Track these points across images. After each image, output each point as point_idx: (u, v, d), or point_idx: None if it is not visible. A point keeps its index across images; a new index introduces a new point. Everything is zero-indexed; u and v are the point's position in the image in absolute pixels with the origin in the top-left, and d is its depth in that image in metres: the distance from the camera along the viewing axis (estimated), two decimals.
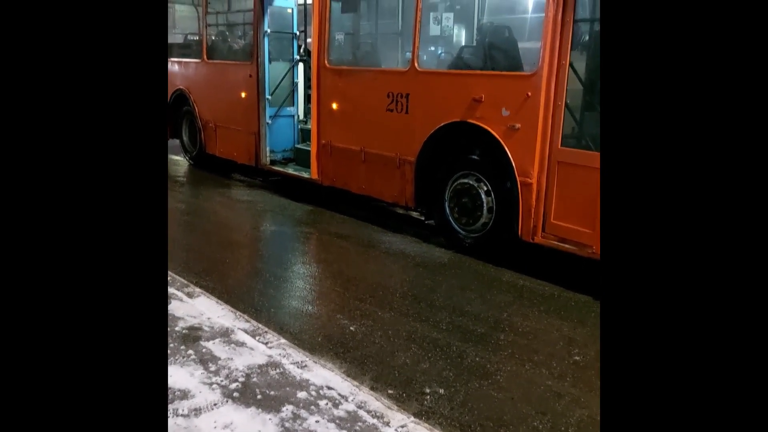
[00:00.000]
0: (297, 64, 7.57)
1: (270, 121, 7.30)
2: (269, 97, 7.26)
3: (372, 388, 2.93)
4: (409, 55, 5.28)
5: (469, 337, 3.58)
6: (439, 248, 5.25)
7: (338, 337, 3.54)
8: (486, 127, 4.65)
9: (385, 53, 6.16)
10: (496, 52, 4.71)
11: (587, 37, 4.17)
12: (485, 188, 4.84)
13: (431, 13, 5.55)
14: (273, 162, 7.43)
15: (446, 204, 5.18)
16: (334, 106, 6.15)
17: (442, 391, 2.98)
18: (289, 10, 7.53)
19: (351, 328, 3.67)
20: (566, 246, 4.35)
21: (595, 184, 3.96)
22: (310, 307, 4.05)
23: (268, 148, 7.35)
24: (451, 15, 5.96)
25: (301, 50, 7.56)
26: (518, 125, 4.45)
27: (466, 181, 4.96)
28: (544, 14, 4.18)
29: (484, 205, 4.85)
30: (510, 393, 2.99)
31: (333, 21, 6.12)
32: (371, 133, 5.77)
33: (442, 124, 5.00)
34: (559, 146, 4.28)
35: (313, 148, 6.54)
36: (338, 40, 6.49)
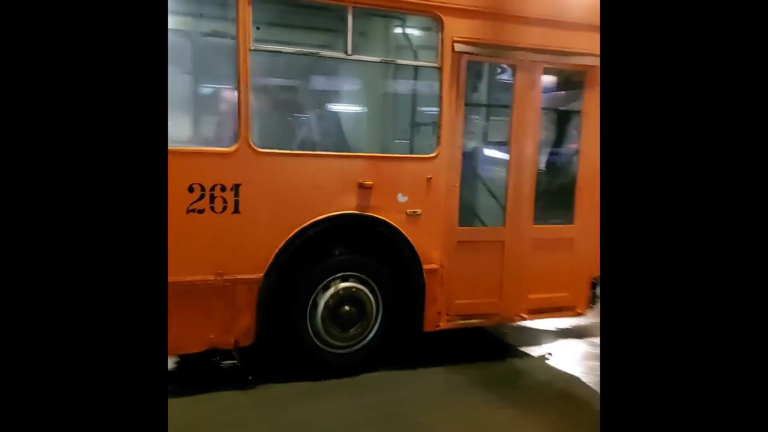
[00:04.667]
0: None
1: None
2: None
3: None
4: (234, 128, 3.53)
5: None
6: None
7: None
8: (382, 217, 3.93)
9: (179, 123, 3.61)
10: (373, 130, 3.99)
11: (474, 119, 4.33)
12: (373, 288, 4.03)
13: (268, 68, 3.74)
14: None
15: (310, 323, 3.90)
16: None
17: None
18: None
19: None
20: (473, 321, 4.38)
21: (493, 254, 4.33)
22: None
23: None
24: (300, 75, 4.17)
25: None
26: (419, 210, 4.04)
27: (348, 285, 3.94)
28: (440, 97, 4.01)
29: (374, 308, 4.05)
30: None
31: None
32: None
33: (310, 222, 3.76)
34: (458, 226, 4.24)
35: None
36: None
